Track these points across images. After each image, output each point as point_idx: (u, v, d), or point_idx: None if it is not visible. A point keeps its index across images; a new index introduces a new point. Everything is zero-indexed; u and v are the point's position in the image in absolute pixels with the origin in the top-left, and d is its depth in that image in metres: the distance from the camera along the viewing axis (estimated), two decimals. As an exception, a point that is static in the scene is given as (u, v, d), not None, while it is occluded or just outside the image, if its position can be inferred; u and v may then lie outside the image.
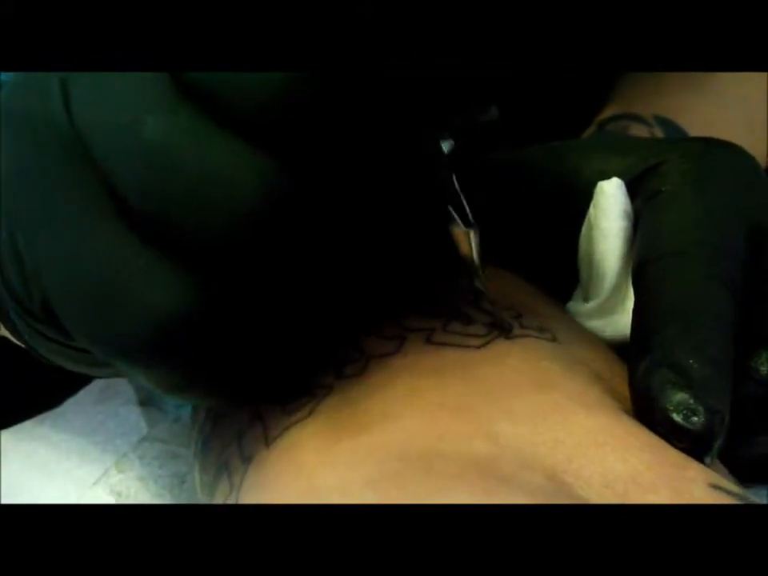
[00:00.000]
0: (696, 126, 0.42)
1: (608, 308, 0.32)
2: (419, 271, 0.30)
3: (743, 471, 0.30)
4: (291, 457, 0.27)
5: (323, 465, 0.26)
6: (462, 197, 0.29)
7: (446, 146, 0.28)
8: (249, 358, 0.26)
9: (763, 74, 0.45)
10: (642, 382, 0.28)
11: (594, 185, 0.32)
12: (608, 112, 0.43)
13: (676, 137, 0.42)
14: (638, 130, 0.42)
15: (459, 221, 0.28)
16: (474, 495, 0.24)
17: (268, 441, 0.28)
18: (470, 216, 0.29)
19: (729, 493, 0.26)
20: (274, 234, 0.23)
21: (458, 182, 0.28)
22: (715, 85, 0.45)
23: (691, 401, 0.26)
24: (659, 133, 0.42)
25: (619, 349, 0.32)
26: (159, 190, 0.23)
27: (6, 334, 0.30)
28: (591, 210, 0.32)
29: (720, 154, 0.32)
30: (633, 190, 0.32)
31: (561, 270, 0.34)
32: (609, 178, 0.32)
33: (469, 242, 0.29)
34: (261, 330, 0.26)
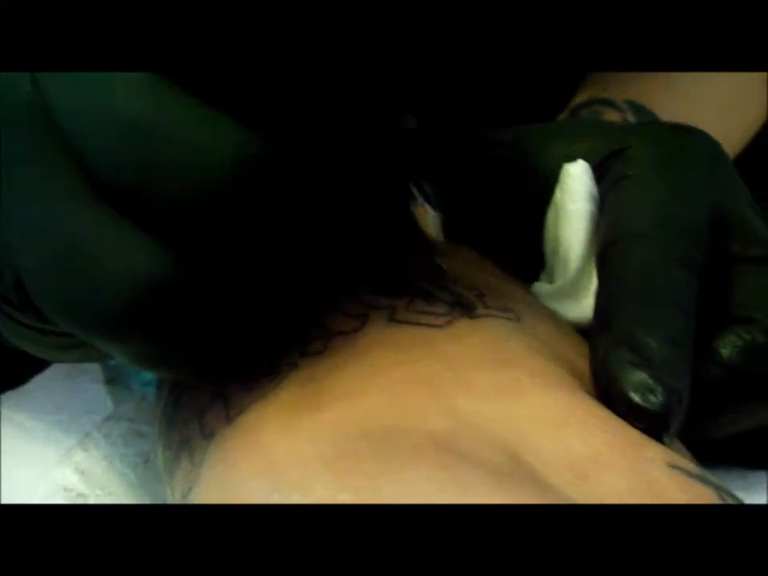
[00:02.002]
0: (668, 112, 0.42)
1: (573, 290, 0.32)
2: (381, 247, 0.30)
3: (706, 453, 0.30)
4: (252, 434, 0.27)
5: (283, 441, 0.26)
6: (423, 175, 0.29)
7: (409, 123, 0.28)
8: (218, 331, 0.26)
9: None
10: (602, 361, 0.28)
11: (559, 167, 0.32)
12: (581, 97, 0.44)
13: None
14: (611, 115, 0.42)
15: (421, 198, 0.29)
16: (430, 470, 0.24)
17: (229, 417, 0.28)
18: (430, 194, 0.29)
19: (687, 473, 0.26)
20: (248, 203, 0.23)
21: (421, 160, 0.29)
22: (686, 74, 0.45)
23: (649, 380, 0.27)
24: (632, 118, 0.42)
25: (584, 330, 0.32)
26: (133, 161, 0.23)
27: None
28: (557, 192, 0.32)
29: (684, 138, 0.32)
30: (598, 173, 0.32)
31: (527, 252, 0.34)
32: (574, 160, 0.32)
33: (429, 219, 0.29)
34: (233, 302, 0.25)
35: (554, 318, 0.32)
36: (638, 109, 0.42)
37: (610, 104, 0.42)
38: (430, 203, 0.29)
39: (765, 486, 0.35)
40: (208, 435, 0.28)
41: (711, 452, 0.31)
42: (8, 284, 0.25)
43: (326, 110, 0.24)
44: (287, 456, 0.25)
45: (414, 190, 0.29)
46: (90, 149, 0.23)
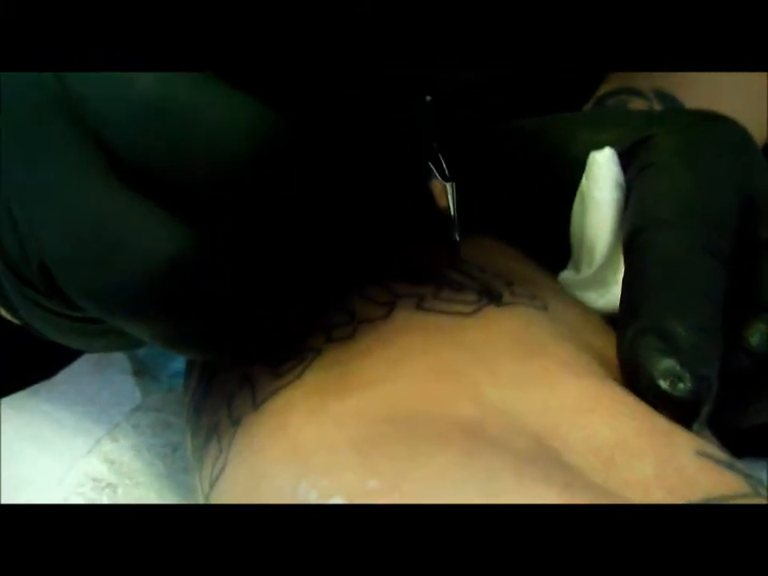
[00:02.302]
0: (695, 101, 0.42)
1: (600, 279, 0.32)
2: (401, 224, 0.31)
3: (734, 442, 0.30)
4: (278, 419, 0.27)
5: (309, 425, 0.26)
6: (440, 152, 0.29)
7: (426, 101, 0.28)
8: (242, 310, 0.26)
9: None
10: (629, 349, 0.28)
11: (586, 155, 0.32)
12: (607, 86, 0.43)
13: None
14: (638, 104, 0.42)
15: (438, 175, 0.29)
16: (457, 456, 0.24)
17: (256, 403, 0.28)
18: (446, 171, 0.29)
19: (716, 460, 0.26)
20: (264, 181, 0.24)
21: (440, 138, 0.29)
22: None
23: (677, 367, 0.26)
24: (658, 107, 0.42)
25: (611, 319, 0.32)
26: (150, 140, 0.23)
27: (2, 311, 0.30)
28: (584, 180, 0.32)
29: (710, 125, 0.32)
30: (625, 161, 0.32)
31: (553, 241, 0.34)
32: (601, 148, 0.32)
33: (447, 195, 0.29)
34: (255, 281, 0.25)
35: (580, 306, 0.32)
36: (664, 98, 0.42)
37: (637, 93, 0.42)
38: (443, 175, 0.29)
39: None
40: (235, 421, 0.28)
41: (740, 441, 0.31)
42: (34, 270, 0.25)
43: (341, 90, 0.25)
44: (314, 441, 0.25)
45: (431, 166, 0.29)
46: (111, 132, 0.23)
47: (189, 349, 0.26)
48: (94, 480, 0.36)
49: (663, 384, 0.26)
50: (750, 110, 0.37)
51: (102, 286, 0.24)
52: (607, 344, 0.30)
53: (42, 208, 0.24)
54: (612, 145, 0.32)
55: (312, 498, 0.24)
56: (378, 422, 0.25)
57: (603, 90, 0.43)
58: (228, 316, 0.25)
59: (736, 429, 0.31)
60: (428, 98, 0.28)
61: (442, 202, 0.29)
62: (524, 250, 0.34)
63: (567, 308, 0.31)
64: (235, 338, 0.26)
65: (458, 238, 0.30)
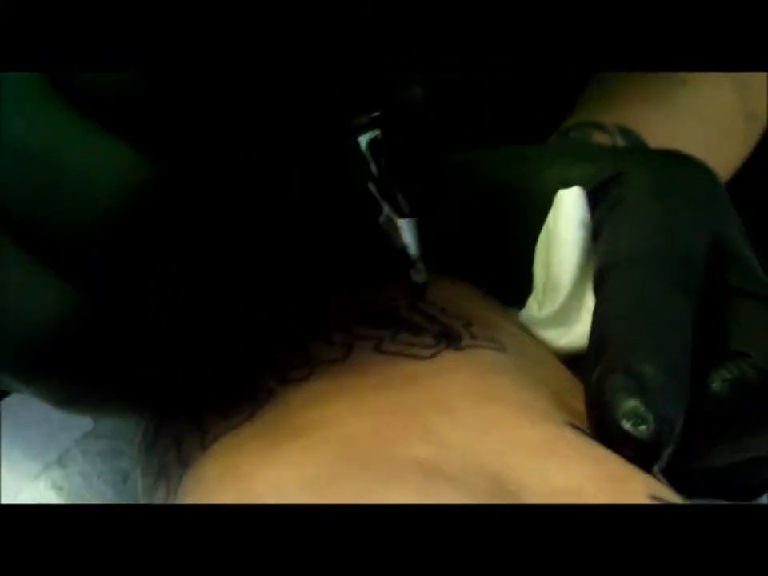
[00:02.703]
0: (655, 138, 0.42)
1: (563, 317, 0.32)
2: (352, 263, 0.30)
3: (692, 483, 0.30)
4: (226, 461, 0.26)
5: (259, 467, 0.25)
6: (392, 187, 0.28)
7: (369, 136, 0.28)
8: (141, 367, 0.25)
9: (722, 87, 0.45)
10: (596, 387, 0.27)
11: (554, 192, 0.32)
12: (572, 120, 0.44)
13: (636, 145, 0.42)
14: (600, 138, 0.42)
15: (392, 212, 0.28)
16: (416, 494, 0.23)
17: (204, 445, 0.27)
18: (402, 206, 0.28)
19: (668, 504, 0.25)
20: (139, 231, 0.23)
21: (393, 173, 0.28)
22: (676, 98, 0.45)
23: (641, 408, 0.26)
24: (620, 141, 0.42)
25: (572, 360, 0.32)
26: (27, 190, 0.22)
27: None
28: (550, 218, 0.32)
29: (683, 166, 0.32)
30: (593, 198, 0.31)
31: (514, 277, 0.33)
32: (570, 185, 0.32)
33: (402, 228, 0.28)
34: (151, 337, 0.25)
35: (539, 348, 0.32)
36: (626, 133, 0.42)
37: (600, 127, 0.42)
38: (400, 212, 0.28)
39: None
40: (183, 463, 0.28)
41: (697, 483, 0.31)
42: None
43: (220, 128, 0.24)
44: (264, 484, 0.25)
45: (382, 203, 0.28)
46: None
47: (85, 411, 0.26)
48: (42, 507, 0.35)
49: (626, 425, 0.26)
50: (707, 152, 0.37)
51: None
52: (564, 388, 0.30)
53: None
54: (581, 181, 0.32)
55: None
56: (330, 460, 0.25)
57: (568, 122, 0.43)
58: (127, 374, 0.25)
59: (694, 470, 0.31)
60: (375, 113, 0.27)
61: (399, 240, 0.29)
62: (482, 287, 0.34)
63: (525, 351, 0.31)
64: (134, 394, 0.26)
65: (422, 280, 0.29)
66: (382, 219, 0.29)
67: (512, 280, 0.34)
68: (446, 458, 0.25)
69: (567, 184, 0.32)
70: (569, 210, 0.31)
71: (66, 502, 0.36)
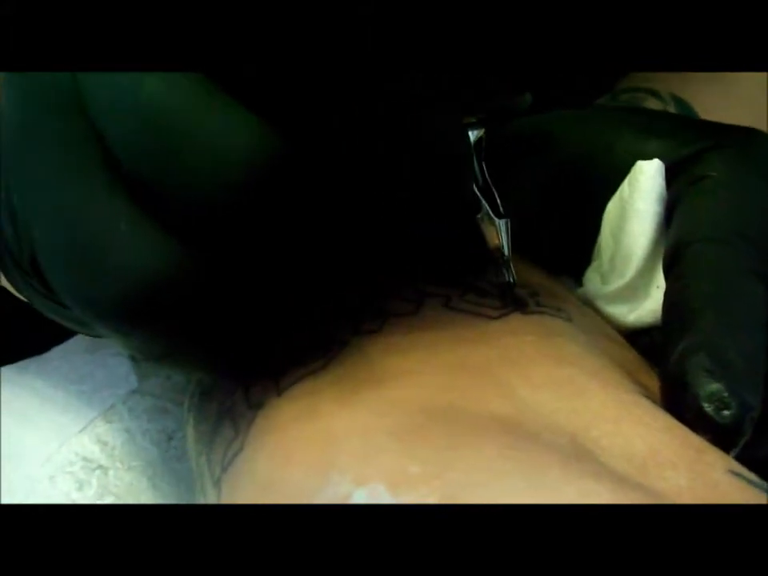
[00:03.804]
0: (707, 113, 0.42)
1: (632, 292, 0.31)
2: (444, 255, 0.30)
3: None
4: (307, 403, 0.26)
5: (343, 410, 0.25)
6: (492, 188, 0.28)
7: (476, 134, 0.28)
8: (237, 327, 0.25)
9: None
10: (677, 365, 0.27)
11: (626, 164, 0.31)
12: (626, 83, 0.43)
13: (687, 115, 0.42)
14: (653, 104, 0.42)
15: (490, 211, 0.28)
16: (499, 449, 0.23)
17: (279, 389, 0.27)
18: (500, 207, 0.28)
19: (749, 480, 0.25)
20: (264, 202, 0.23)
21: (489, 172, 0.28)
22: (733, 78, 0.45)
23: (725, 393, 0.26)
24: (673, 110, 0.42)
25: (634, 335, 0.31)
26: (151, 150, 0.22)
27: (6, 284, 0.29)
28: (625, 188, 0.31)
29: (763, 145, 0.32)
30: (671, 174, 0.31)
31: (572, 248, 0.33)
32: (648, 158, 0.31)
33: (498, 233, 0.28)
34: (249, 300, 0.25)
35: (601, 323, 0.32)
36: (680, 103, 0.42)
37: (654, 94, 0.42)
38: (497, 212, 0.28)
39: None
40: (255, 405, 0.27)
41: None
42: (25, 257, 0.25)
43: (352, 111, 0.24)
44: (347, 427, 0.25)
45: (483, 202, 0.28)
46: (114, 137, 0.23)
47: (169, 364, 0.26)
48: (85, 459, 0.35)
49: (707, 408, 0.26)
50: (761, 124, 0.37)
51: (86, 294, 0.24)
52: (629, 359, 0.30)
53: (36, 202, 0.24)
54: (660, 155, 0.31)
55: (345, 483, 0.23)
56: (414, 412, 0.25)
57: (621, 85, 0.43)
58: (212, 334, 0.25)
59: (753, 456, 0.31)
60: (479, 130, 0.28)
61: (492, 238, 0.29)
62: (541, 256, 0.33)
63: (590, 322, 0.31)
64: (218, 354, 0.26)
65: (512, 280, 0.29)
66: (479, 217, 0.29)
67: (570, 251, 0.33)
68: (525, 416, 0.25)
69: (644, 157, 0.31)
70: (647, 182, 0.31)
71: (110, 458, 0.36)
